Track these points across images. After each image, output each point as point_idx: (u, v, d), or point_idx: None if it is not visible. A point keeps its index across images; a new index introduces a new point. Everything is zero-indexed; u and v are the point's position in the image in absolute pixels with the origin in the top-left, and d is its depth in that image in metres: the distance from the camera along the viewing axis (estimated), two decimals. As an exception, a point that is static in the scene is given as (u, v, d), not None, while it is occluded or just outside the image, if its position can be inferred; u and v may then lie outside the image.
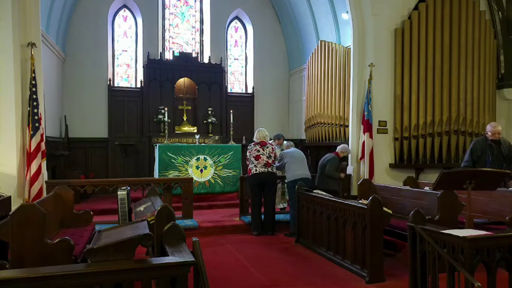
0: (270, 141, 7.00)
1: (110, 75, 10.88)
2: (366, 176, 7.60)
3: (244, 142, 10.35)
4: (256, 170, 6.50)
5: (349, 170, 8.18)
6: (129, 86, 11.31)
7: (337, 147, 7.09)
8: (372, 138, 7.84)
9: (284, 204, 7.59)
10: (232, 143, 9.30)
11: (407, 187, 5.86)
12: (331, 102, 9.53)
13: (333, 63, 9.49)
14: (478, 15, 8.64)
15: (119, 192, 4.83)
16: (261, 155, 6.52)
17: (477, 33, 8.61)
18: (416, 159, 8.27)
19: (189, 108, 11.15)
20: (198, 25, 11.95)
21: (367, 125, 7.82)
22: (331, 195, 5.62)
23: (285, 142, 7.75)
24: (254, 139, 6.89)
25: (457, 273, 2.86)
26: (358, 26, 8.09)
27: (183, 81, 11.09)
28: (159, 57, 10.99)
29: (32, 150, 6.23)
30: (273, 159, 6.60)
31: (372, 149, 7.83)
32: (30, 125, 6.26)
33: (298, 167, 6.58)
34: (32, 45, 6.35)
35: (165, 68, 10.85)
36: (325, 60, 9.75)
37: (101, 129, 10.62)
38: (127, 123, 10.78)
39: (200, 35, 11.94)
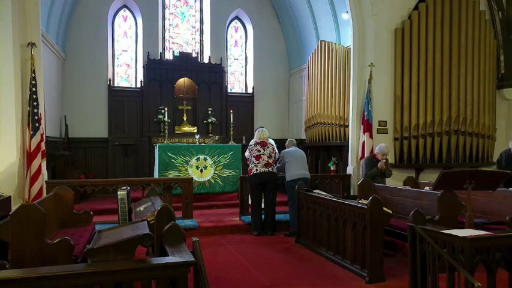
0: (270, 141, 7.00)
1: (110, 75, 10.87)
2: (366, 176, 7.59)
3: (244, 142, 10.34)
4: (256, 170, 6.50)
5: (349, 170, 8.18)
6: (129, 86, 11.30)
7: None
8: (372, 138, 7.84)
9: None
10: (232, 143, 9.29)
11: (407, 187, 5.86)
12: (331, 102, 9.52)
13: (333, 63, 9.48)
14: (478, 15, 8.64)
15: (119, 192, 4.84)
16: (261, 155, 6.53)
17: (477, 33, 8.61)
18: (416, 159, 8.27)
19: (189, 108, 11.14)
20: (198, 25, 11.94)
21: (367, 125, 7.82)
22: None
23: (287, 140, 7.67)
24: (255, 139, 6.89)
25: (457, 273, 2.86)
26: (358, 26, 8.09)
27: (183, 81, 11.09)
28: (159, 57, 10.99)
29: (32, 150, 6.23)
30: (273, 159, 6.61)
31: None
32: (30, 125, 6.26)
33: (297, 167, 6.58)
34: (32, 45, 6.35)
35: (165, 68, 10.84)
36: (325, 60, 9.75)
37: (101, 129, 10.61)
38: (127, 123, 10.77)
39: (200, 35, 11.93)
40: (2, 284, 2.14)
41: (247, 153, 6.84)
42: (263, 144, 6.62)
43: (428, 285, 3.22)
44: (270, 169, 6.53)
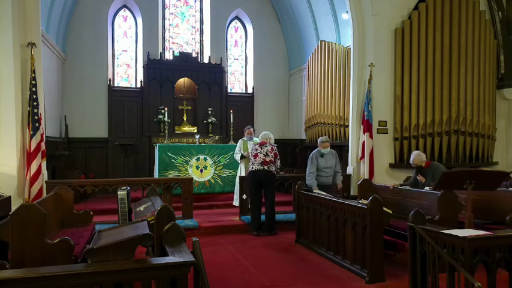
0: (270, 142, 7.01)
1: (110, 75, 10.87)
2: (366, 176, 7.60)
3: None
4: (252, 168, 6.52)
5: (349, 170, 8.18)
6: (129, 86, 11.30)
7: None
8: (372, 138, 7.84)
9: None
10: (232, 143, 9.30)
11: (407, 187, 5.85)
12: (331, 102, 9.52)
13: (333, 63, 9.48)
14: (478, 15, 8.64)
15: (119, 192, 4.84)
16: (258, 153, 6.54)
17: (477, 33, 8.61)
18: (417, 159, 8.25)
19: (189, 108, 11.14)
20: (198, 25, 11.94)
21: (367, 125, 7.82)
22: None
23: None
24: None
25: (457, 273, 2.86)
26: (358, 26, 8.08)
27: (183, 81, 11.09)
28: (159, 57, 10.99)
29: (32, 150, 6.23)
30: (271, 158, 6.56)
31: (372, 149, 7.83)
32: (30, 125, 6.26)
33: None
34: (32, 45, 6.35)
35: (165, 68, 10.84)
36: (325, 60, 9.75)
37: (101, 129, 10.61)
38: (127, 123, 10.77)
39: (200, 35, 11.93)
40: (2, 284, 2.14)
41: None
42: (262, 143, 6.65)
43: (428, 285, 3.22)
44: (267, 168, 6.49)
